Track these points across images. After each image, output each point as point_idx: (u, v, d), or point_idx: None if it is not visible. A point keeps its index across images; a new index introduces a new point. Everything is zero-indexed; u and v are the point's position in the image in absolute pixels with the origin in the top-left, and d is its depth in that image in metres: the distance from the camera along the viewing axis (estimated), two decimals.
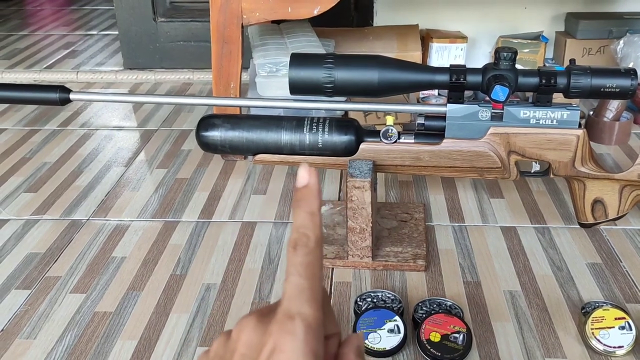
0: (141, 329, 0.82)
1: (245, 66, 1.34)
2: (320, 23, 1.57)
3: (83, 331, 0.82)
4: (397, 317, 0.80)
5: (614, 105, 1.27)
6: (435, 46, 1.55)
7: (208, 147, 0.95)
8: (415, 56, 1.50)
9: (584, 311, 0.82)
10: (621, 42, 1.34)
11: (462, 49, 1.56)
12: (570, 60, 0.89)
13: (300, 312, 0.27)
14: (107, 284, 0.91)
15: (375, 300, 0.85)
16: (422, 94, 1.53)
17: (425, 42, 1.57)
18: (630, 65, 1.26)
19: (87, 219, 1.09)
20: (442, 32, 1.60)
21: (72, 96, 0.95)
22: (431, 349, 0.76)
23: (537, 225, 1.03)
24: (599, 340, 0.76)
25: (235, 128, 0.93)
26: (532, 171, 0.94)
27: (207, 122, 0.94)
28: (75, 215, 1.10)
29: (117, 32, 1.90)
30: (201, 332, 0.82)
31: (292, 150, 0.93)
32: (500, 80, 0.85)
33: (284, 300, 0.28)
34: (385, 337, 0.78)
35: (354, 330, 0.79)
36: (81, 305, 0.87)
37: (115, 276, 0.93)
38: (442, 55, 1.56)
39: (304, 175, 0.28)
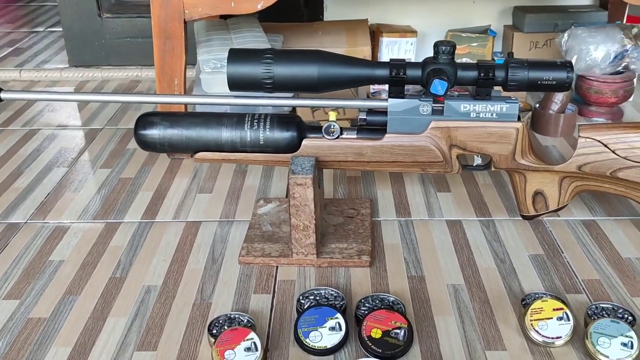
0: (76, 335, 0.80)
1: (192, 62, 1.32)
2: (270, 18, 1.56)
3: (15, 338, 0.79)
4: (338, 315, 0.79)
5: (559, 97, 1.29)
6: (385, 41, 1.55)
7: (147, 145, 0.92)
8: (364, 51, 1.50)
9: (523, 303, 0.82)
10: (565, 35, 1.36)
11: (412, 44, 1.56)
12: (509, 54, 0.89)
13: None
14: (42, 289, 0.88)
15: (317, 298, 0.84)
16: (373, 88, 1.53)
17: (375, 37, 1.56)
18: (574, 58, 1.28)
19: (25, 222, 1.05)
20: (392, 27, 1.60)
21: (3, 95, 0.91)
22: (372, 346, 0.75)
23: (482, 218, 1.04)
24: (537, 332, 0.76)
25: (175, 126, 0.91)
26: (474, 165, 0.94)
27: (146, 120, 0.92)
28: (13, 218, 1.06)
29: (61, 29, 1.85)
30: (139, 335, 0.79)
31: (233, 147, 0.91)
32: (439, 74, 0.84)
33: None
34: (326, 335, 0.77)
35: (295, 329, 0.78)
36: (14, 312, 0.84)
37: (52, 281, 0.90)
38: (392, 50, 1.56)
39: None
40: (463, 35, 1.54)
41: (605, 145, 0.89)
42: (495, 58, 1.57)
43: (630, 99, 1.41)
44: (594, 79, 1.34)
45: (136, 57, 1.74)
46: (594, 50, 1.31)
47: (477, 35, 1.53)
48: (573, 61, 1.32)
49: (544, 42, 1.54)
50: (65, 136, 1.39)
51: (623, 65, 1.33)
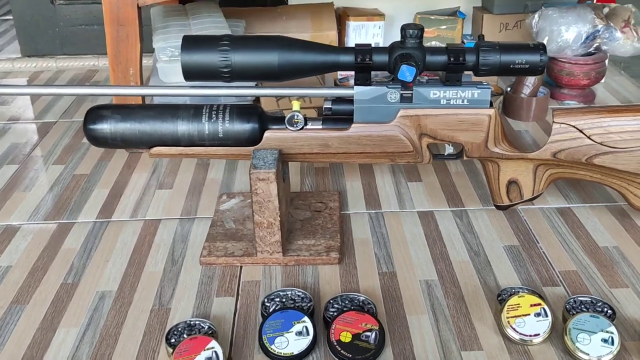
0: (23, 348, 0.74)
1: (150, 50, 1.25)
2: (231, 3, 1.50)
3: None
4: (305, 318, 0.74)
5: (531, 81, 1.25)
6: (352, 25, 1.50)
7: (97, 141, 0.86)
8: (330, 35, 1.44)
9: (500, 299, 0.78)
10: (536, 16, 1.32)
11: (379, 27, 1.51)
12: (479, 37, 0.85)
13: None
14: None
15: (284, 300, 0.79)
16: (340, 74, 1.48)
17: (341, 21, 1.51)
18: (545, 40, 1.24)
19: None
20: (358, 10, 1.54)
21: None
22: (342, 351, 0.71)
23: (454, 209, 1.00)
24: (514, 329, 0.73)
25: (127, 119, 0.85)
26: (445, 154, 0.90)
27: (95, 113, 0.86)
28: None
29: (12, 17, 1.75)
30: (92, 347, 0.74)
31: (190, 141, 0.86)
32: (407, 59, 0.80)
33: None
34: (293, 341, 0.72)
35: (260, 335, 0.73)
36: None
37: None
38: (360, 34, 1.51)
39: None
40: (432, 17, 1.49)
41: (581, 131, 0.85)
42: (465, 41, 1.53)
43: (602, 81, 1.39)
44: (566, 60, 1.30)
45: (92, 45, 1.66)
46: (566, 31, 1.27)
47: (446, 17, 1.49)
48: (544, 42, 1.28)
49: (514, 24, 1.50)
50: (17, 130, 1.31)
51: (594, 46, 1.30)
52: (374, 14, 1.51)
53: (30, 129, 1.32)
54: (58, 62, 1.63)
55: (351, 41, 1.51)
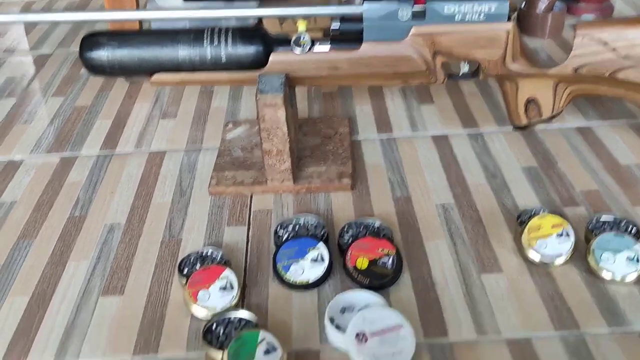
0: (34, 283, 0.73)
1: None
2: None
3: None
4: (320, 244, 0.72)
5: None
6: None
7: (95, 69, 0.82)
8: None
9: (519, 220, 0.76)
10: None
11: None
12: None
13: None
14: None
15: (297, 228, 0.77)
16: None
17: None
18: None
19: None
20: None
21: None
22: (359, 277, 0.69)
23: (470, 131, 0.96)
24: (536, 251, 0.71)
25: (124, 45, 0.81)
26: (460, 73, 0.86)
27: (91, 40, 0.82)
28: None
29: None
30: (103, 280, 0.73)
31: (192, 66, 0.82)
32: None
33: None
34: (308, 268, 0.70)
35: (274, 263, 0.71)
36: None
37: (4, 225, 0.82)
38: None
39: None
40: None
41: (605, 44, 0.81)
42: None
43: None
44: None
45: None
46: None
47: None
48: None
49: None
50: (13, 63, 1.26)
51: None
52: None
53: (26, 61, 1.27)
54: None
55: None
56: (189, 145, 0.97)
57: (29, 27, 1.41)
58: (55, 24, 1.41)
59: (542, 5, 1.20)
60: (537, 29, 1.21)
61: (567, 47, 1.18)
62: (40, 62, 1.26)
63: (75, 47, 1.30)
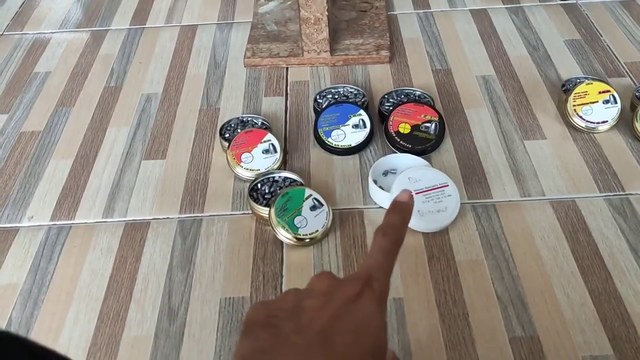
0: (76, 147, 0.73)
1: None
2: None
3: (9, 153, 0.72)
4: (361, 111, 0.72)
5: None
6: None
7: None
8: None
9: (564, 88, 0.75)
10: None
11: None
12: None
13: (379, 278, 0.31)
14: (31, 102, 0.80)
15: (336, 96, 0.76)
16: None
17: None
18: None
19: (1, 34, 0.94)
20: None
21: None
22: (401, 141, 0.69)
23: (509, 5, 0.93)
24: (581, 117, 0.70)
25: None
26: None
27: None
28: None
29: None
30: (145, 144, 0.73)
31: None
32: None
33: (364, 268, 0.31)
34: (350, 134, 0.70)
35: (315, 128, 0.71)
36: (4, 127, 0.76)
37: (41, 93, 0.82)
38: None
39: (404, 197, 0.35)
40: None
41: None
42: None
43: None
44: None
45: None
46: None
47: None
48: None
49: None
50: None
51: None
52: None
53: None
54: None
55: None
56: (220, 19, 0.95)
57: None
58: None
59: None
60: None
61: None
62: None
63: None
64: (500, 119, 0.73)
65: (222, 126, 0.72)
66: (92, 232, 0.62)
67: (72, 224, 0.64)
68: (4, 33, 0.94)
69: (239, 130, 0.72)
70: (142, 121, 0.76)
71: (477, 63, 0.82)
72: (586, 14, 0.90)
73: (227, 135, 0.71)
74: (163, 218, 0.63)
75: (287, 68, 0.84)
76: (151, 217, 0.64)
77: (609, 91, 0.71)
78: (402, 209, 0.35)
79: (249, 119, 0.73)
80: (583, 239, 0.59)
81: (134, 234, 0.62)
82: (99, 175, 0.69)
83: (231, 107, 0.78)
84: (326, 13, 0.80)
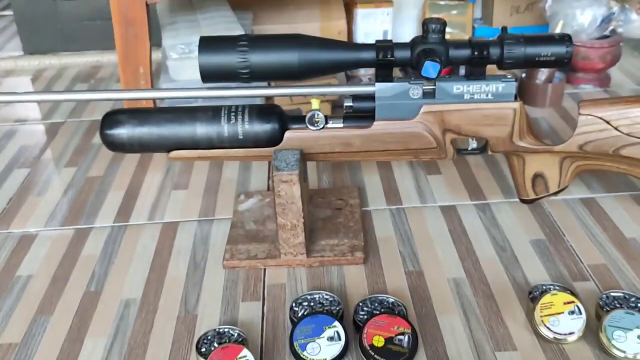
0: None
1: (158, 44, 1.23)
2: None
3: None
4: (336, 323, 0.73)
5: None
6: (360, 12, 1.47)
7: (115, 146, 0.85)
8: (339, 25, 1.42)
9: (531, 296, 0.77)
10: None
11: (388, 14, 1.48)
12: (502, 29, 0.82)
13: None
14: (11, 309, 0.81)
15: (312, 304, 0.78)
16: None
17: (349, 9, 1.48)
18: (560, 23, 1.22)
19: None
20: None
21: None
22: (375, 355, 0.70)
23: (477, 202, 0.98)
24: (548, 328, 0.72)
25: (144, 123, 0.83)
26: (469, 149, 0.88)
27: (112, 118, 0.84)
28: None
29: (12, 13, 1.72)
30: (121, 357, 0.73)
31: (210, 143, 0.84)
32: (430, 54, 0.78)
33: None
34: (325, 347, 0.71)
35: (291, 341, 0.72)
36: None
37: (21, 299, 0.83)
38: (368, 22, 1.48)
39: None
40: (442, 3, 1.47)
41: (608, 122, 0.84)
42: (475, 25, 1.51)
43: (618, 64, 1.36)
44: (581, 44, 1.28)
45: (96, 40, 1.63)
46: (580, 15, 1.25)
47: (456, 2, 1.46)
48: (559, 27, 1.26)
49: (525, 7, 1.48)
50: (25, 132, 1.29)
51: (610, 29, 1.28)
52: (382, 1, 1.48)
53: (38, 130, 1.30)
54: (61, 59, 1.61)
55: (359, 30, 1.48)
56: (202, 216, 0.99)
57: None
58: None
59: (541, 76, 1.24)
60: (538, 99, 1.25)
61: (567, 117, 1.22)
62: (52, 131, 1.28)
63: (86, 117, 1.33)
64: (472, 327, 0.75)
65: (199, 339, 0.73)
66: None
67: None
68: None
69: (215, 345, 0.72)
70: (120, 330, 0.77)
71: (448, 264, 0.86)
72: (549, 212, 0.95)
73: (203, 349, 0.72)
74: None
75: (264, 269, 0.87)
76: None
77: (573, 302, 0.73)
78: None
79: (225, 330, 0.74)
80: None
81: None
82: None
83: (209, 314, 0.79)
84: (302, 219, 0.84)
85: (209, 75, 0.80)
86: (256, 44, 0.78)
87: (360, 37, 1.47)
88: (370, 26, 1.48)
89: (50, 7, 1.62)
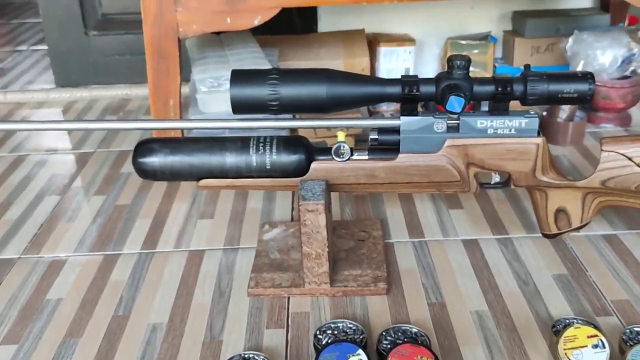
0: None
1: (186, 79, 1.27)
2: (263, 31, 1.51)
3: None
4: (360, 351, 0.74)
5: (567, 105, 1.25)
6: (382, 50, 1.51)
7: (147, 174, 0.87)
8: (363, 62, 1.45)
9: (554, 329, 0.78)
10: (570, 40, 1.32)
11: (410, 52, 1.52)
12: (525, 66, 0.85)
13: None
14: (41, 332, 0.83)
15: (336, 332, 0.79)
16: None
17: (372, 47, 1.52)
18: (581, 64, 1.24)
19: (19, 257, 0.99)
20: (389, 36, 1.56)
21: None
22: None
23: (499, 236, 0.99)
24: None
25: (175, 152, 0.86)
26: (492, 183, 0.90)
27: (145, 147, 0.87)
28: (5, 254, 1.00)
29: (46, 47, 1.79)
30: None
31: (238, 173, 0.86)
32: (455, 90, 0.80)
33: None
34: None
35: None
36: (13, 359, 0.78)
37: (51, 322, 0.85)
38: (391, 60, 1.52)
39: None
40: (463, 42, 1.50)
41: (630, 159, 0.85)
42: (496, 64, 1.54)
43: (638, 104, 1.38)
44: (602, 84, 1.30)
45: (125, 74, 1.69)
46: (601, 55, 1.27)
47: (477, 42, 1.49)
48: (580, 67, 1.28)
49: (545, 47, 1.51)
50: (56, 161, 1.33)
51: (630, 69, 1.29)
52: (405, 39, 1.52)
53: (68, 159, 1.34)
54: (91, 92, 1.66)
55: (382, 67, 1.52)
56: (227, 244, 1.01)
57: None
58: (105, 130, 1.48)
59: (563, 115, 1.26)
60: (559, 137, 1.27)
61: (588, 155, 1.23)
62: (82, 160, 1.32)
63: (115, 148, 1.37)
64: (494, 359, 0.75)
65: None
66: None
67: None
68: (21, 256, 0.99)
69: None
70: (147, 355, 0.78)
71: (470, 297, 0.86)
72: (571, 247, 0.95)
73: None
74: None
75: (288, 298, 0.88)
76: None
77: (597, 335, 0.74)
78: None
79: (250, 356, 0.75)
80: None
81: None
82: None
83: (234, 340, 0.80)
84: (327, 249, 0.85)
85: (239, 107, 0.82)
86: (286, 77, 0.81)
87: (383, 75, 1.50)
88: (393, 64, 1.52)
89: (82, 41, 1.68)
